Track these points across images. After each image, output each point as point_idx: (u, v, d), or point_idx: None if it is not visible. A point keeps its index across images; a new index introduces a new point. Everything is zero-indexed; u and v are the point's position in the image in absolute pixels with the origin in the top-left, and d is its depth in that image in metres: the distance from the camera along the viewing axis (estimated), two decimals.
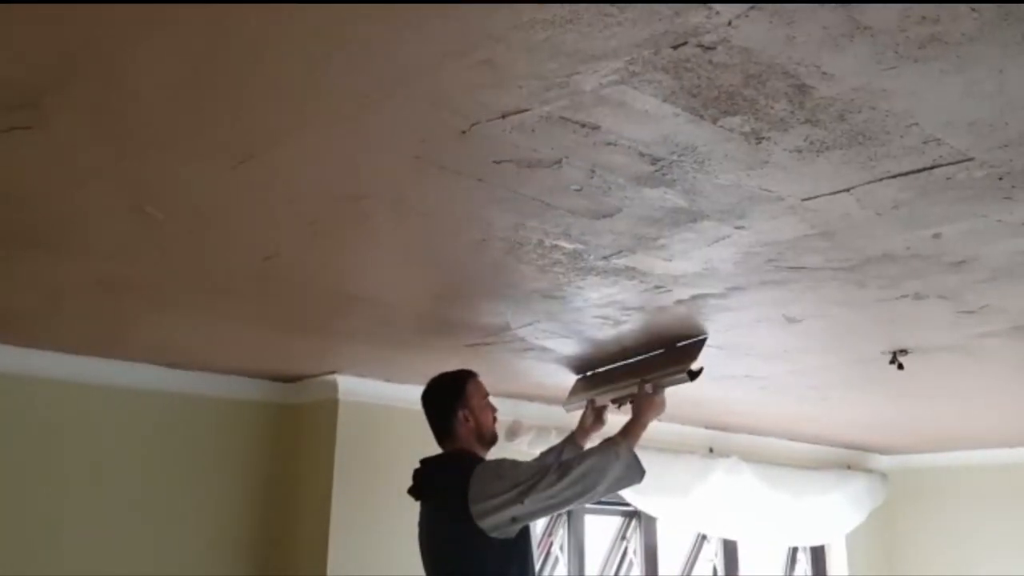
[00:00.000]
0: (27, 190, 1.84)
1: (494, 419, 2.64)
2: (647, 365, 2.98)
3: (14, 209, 1.94)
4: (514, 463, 2.47)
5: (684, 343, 2.87)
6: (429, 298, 2.58)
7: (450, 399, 2.59)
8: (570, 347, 3.07)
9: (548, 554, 4.63)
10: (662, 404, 2.72)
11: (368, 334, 3.02)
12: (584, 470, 2.40)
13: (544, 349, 3.12)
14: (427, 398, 2.65)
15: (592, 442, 2.84)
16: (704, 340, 2.83)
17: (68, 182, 1.80)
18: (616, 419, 3.09)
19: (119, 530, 3.38)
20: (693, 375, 2.73)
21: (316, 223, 2.01)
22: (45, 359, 3.27)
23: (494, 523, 2.34)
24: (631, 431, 2.57)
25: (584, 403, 3.08)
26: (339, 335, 3.07)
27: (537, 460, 2.58)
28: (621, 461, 2.46)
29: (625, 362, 3.11)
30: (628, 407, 2.77)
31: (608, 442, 2.52)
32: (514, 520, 2.35)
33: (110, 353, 3.35)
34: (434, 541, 2.50)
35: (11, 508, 3.17)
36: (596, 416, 3.00)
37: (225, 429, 3.75)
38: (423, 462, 2.61)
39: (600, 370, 3.24)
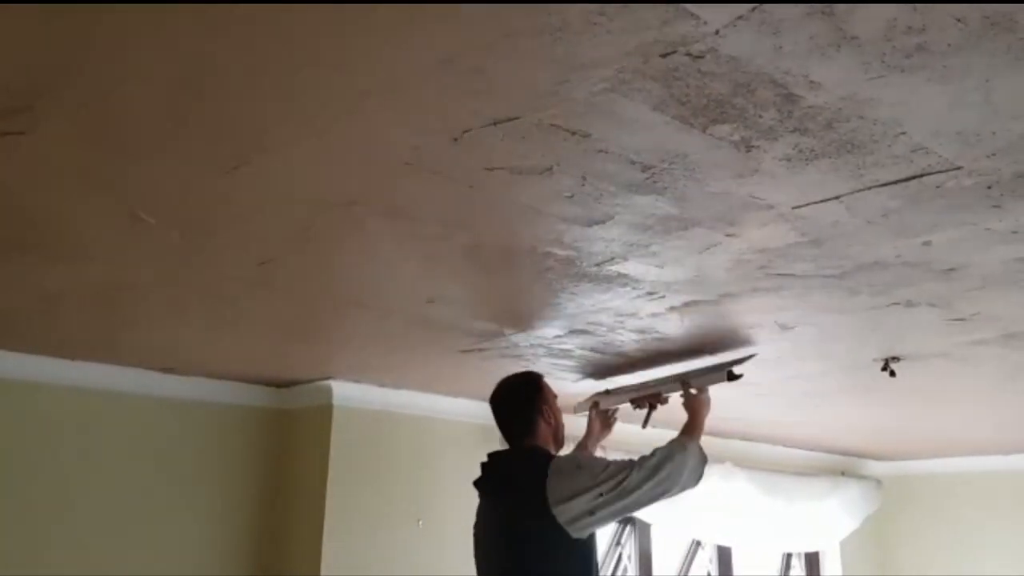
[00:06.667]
0: (19, 195, 1.84)
1: None
2: (682, 374, 2.97)
3: (6, 214, 1.95)
4: (592, 457, 2.48)
5: (732, 358, 2.88)
6: (422, 303, 2.59)
7: (533, 397, 2.55)
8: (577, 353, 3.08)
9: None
10: (710, 402, 2.75)
11: (362, 339, 3.03)
12: (668, 470, 2.39)
13: (538, 355, 3.13)
14: (505, 396, 2.60)
15: (600, 450, 2.86)
16: (753, 356, 2.87)
17: (60, 187, 1.81)
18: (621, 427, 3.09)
19: (114, 534, 3.37)
20: (732, 376, 2.76)
21: (310, 228, 2.01)
22: (40, 364, 3.27)
23: (571, 515, 2.29)
24: (693, 431, 2.58)
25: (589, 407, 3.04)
26: (334, 340, 3.08)
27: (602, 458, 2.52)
28: (695, 460, 2.48)
29: (649, 374, 3.11)
30: (642, 411, 2.82)
31: (677, 443, 2.50)
32: (591, 513, 2.30)
33: (104, 358, 3.35)
34: (497, 535, 2.44)
35: (9, 513, 3.17)
36: (603, 423, 2.98)
37: (220, 434, 3.75)
38: (492, 456, 2.57)
39: (623, 384, 3.21)
